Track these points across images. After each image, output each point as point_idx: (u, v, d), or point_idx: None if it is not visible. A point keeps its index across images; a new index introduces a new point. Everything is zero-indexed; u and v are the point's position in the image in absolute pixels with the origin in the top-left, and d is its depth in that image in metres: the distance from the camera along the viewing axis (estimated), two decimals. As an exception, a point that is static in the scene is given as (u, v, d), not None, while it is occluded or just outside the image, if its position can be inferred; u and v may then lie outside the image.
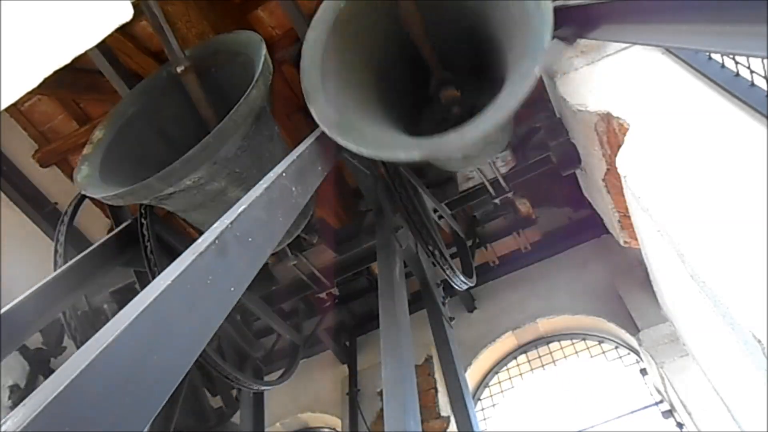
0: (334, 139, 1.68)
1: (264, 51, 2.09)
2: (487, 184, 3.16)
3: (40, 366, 4.75)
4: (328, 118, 1.74)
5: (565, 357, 4.59)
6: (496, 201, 3.27)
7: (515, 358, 4.79)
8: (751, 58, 1.50)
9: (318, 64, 1.89)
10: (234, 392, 3.68)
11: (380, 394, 2.19)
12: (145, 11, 1.87)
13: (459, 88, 2.17)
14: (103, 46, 3.41)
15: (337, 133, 1.68)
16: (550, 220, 4.79)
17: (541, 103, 3.07)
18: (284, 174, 1.39)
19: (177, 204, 2.18)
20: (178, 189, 1.97)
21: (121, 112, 2.38)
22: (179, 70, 2.23)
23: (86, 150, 2.21)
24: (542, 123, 2.94)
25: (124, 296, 3.12)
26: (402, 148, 1.69)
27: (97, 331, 0.76)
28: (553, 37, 2.57)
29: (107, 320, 0.83)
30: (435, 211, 3.15)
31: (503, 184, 3.14)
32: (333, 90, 1.86)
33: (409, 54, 2.13)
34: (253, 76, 2.02)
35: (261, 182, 1.31)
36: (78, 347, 2.23)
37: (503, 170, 3.15)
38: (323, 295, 3.57)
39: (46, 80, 0.92)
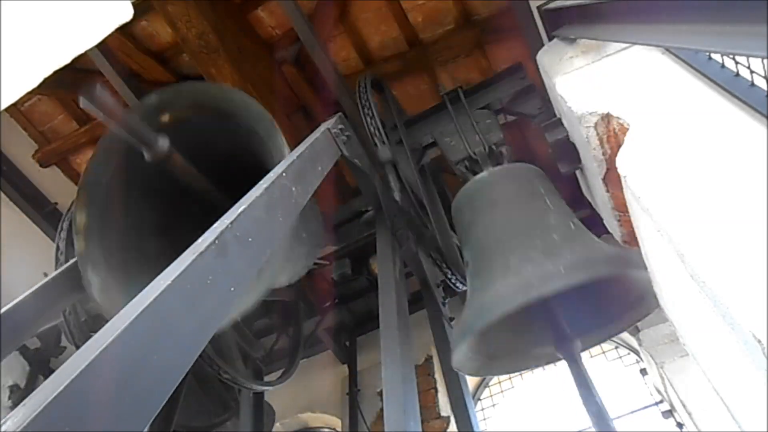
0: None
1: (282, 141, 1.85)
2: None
3: (40, 366, 4.75)
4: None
5: (565, 357, 4.58)
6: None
7: (515, 358, 4.78)
8: (751, 58, 1.50)
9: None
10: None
11: (380, 394, 2.19)
12: (92, 112, 1.46)
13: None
14: (103, 46, 3.41)
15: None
16: (550, 220, 4.78)
17: (540, 102, 3.07)
18: (284, 174, 1.39)
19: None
20: None
21: (94, 183, 2.00)
22: (161, 155, 1.72)
23: (79, 246, 1.91)
24: (542, 123, 2.93)
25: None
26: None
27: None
28: (553, 37, 2.57)
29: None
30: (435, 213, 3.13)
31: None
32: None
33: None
34: (257, 143, 1.87)
35: (261, 182, 1.31)
36: (77, 348, 2.23)
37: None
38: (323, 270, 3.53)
39: (46, 80, 0.92)
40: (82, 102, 1.38)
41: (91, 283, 1.86)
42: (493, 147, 2.63)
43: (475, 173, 2.51)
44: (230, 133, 1.98)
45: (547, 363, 2.33)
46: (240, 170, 1.94)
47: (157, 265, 2.06)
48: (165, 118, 1.93)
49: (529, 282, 1.67)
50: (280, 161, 1.75)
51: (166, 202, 2.07)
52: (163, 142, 1.70)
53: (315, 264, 3.47)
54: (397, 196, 2.45)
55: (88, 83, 1.38)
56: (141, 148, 1.67)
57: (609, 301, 2.04)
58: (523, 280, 1.69)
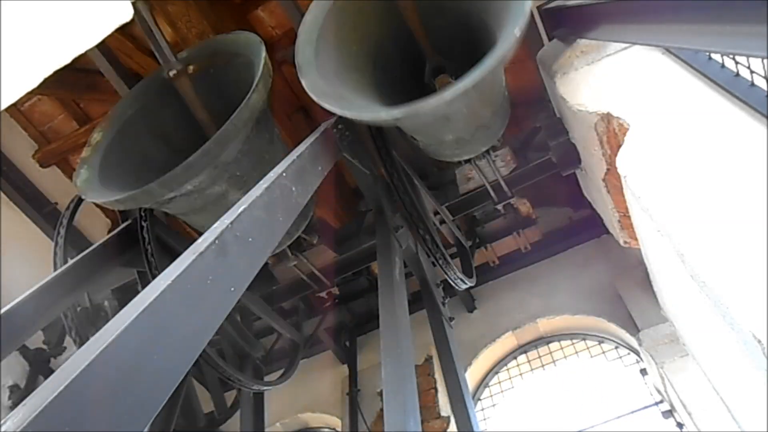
0: (320, 104, 1.70)
1: (264, 53, 2.08)
2: (488, 187, 3.11)
3: (40, 366, 4.75)
4: (318, 88, 1.77)
5: (565, 357, 4.59)
6: (498, 207, 3.23)
7: (515, 358, 4.78)
8: (751, 58, 1.50)
9: (313, 42, 1.92)
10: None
11: (380, 394, 2.19)
12: (135, 16, 1.83)
13: (453, 75, 2.17)
14: (103, 46, 3.41)
15: (325, 100, 1.70)
16: (550, 220, 4.79)
17: (541, 103, 3.07)
18: (284, 174, 1.39)
19: (178, 208, 2.18)
20: (179, 194, 1.97)
21: (119, 114, 2.37)
22: (171, 74, 2.22)
23: (85, 153, 2.20)
24: (542, 123, 2.93)
25: (125, 294, 3.12)
26: (384, 111, 1.71)
27: (97, 329, 0.76)
28: (553, 37, 2.58)
29: (107, 317, 0.83)
30: (436, 213, 3.13)
31: (505, 188, 3.10)
32: (326, 67, 1.89)
33: (404, 41, 2.15)
34: (252, 77, 2.01)
35: (261, 182, 1.31)
36: (78, 347, 2.23)
37: (503, 171, 3.12)
38: (323, 294, 3.56)
39: (46, 80, 0.92)
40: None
41: (79, 175, 2.09)
42: None
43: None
44: (237, 74, 2.28)
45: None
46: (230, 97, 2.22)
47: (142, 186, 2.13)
48: (189, 69, 2.33)
49: None
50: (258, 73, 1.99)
51: (172, 149, 2.36)
52: (178, 65, 2.20)
53: (316, 284, 3.47)
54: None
55: None
56: (163, 63, 2.14)
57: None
58: None
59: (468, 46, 2.13)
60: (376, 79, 2.13)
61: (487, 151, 3.04)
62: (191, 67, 2.32)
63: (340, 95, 1.81)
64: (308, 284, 3.48)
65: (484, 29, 1.96)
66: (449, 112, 2.05)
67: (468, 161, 3.06)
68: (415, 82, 2.26)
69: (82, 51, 0.96)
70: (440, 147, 2.54)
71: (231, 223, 1.05)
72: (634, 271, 4.04)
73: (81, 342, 2.79)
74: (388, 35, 2.15)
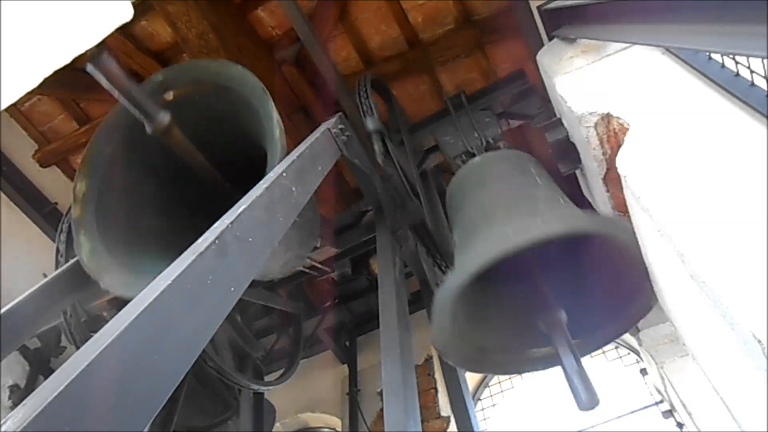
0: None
1: (274, 110, 1.87)
2: None
3: (40, 366, 4.75)
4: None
5: (565, 357, 4.58)
6: None
7: (515, 358, 4.78)
8: (751, 58, 1.50)
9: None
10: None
11: (380, 394, 2.19)
12: (97, 78, 1.50)
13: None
14: (103, 46, 3.40)
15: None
16: (550, 220, 4.78)
17: (540, 102, 3.07)
18: (284, 174, 1.39)
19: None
20: None
21: (97, 154, 2.05)
22: (161, 128, 1.77)
23: (75, 212, 1.96)
24: (542, 122, 2.93)
25: (123, 305, 3.12)
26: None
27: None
28: (553, 37, 2.57)
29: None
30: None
31: None
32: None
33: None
34: (257, 122, 1.88)
35: (261, 182, 1.31)
36: (77, 348, 2.23)
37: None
38: (323, 278, 3.54)
39: (46, 80, 0.92)
40: (89, 67, 1.39)
41: (81, 246, 1.90)
42: (491, 140, 2.64)
43: (469, 161, 2.52)
44: (228, 107, 2.02)
45: (543, 368, 2.16)
46: (235, 145, 2.01)
47: (150, 237, 2.05)
48: (168, 96, 2.00)
49: (506, 235, 1.58)
50: (270, 129, 1.83)
51: (165, 180, 2.12)
52: (164, 116, 1.73)
53: (316, 271, 3.47)
54: (379, 159, 2.40)
55: (96, 50, 1.39)
56: (142, 119, 1.71)
57: (603, 292, 1.93)
58: (501, 235, 1.61)
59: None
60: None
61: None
62: (171, 93, 2.01)
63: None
64: (305, 272, 3.47)
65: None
66: None
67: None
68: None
69: (82, 51, 0.96)
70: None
71: (231, 223, 1.05)
72: (634, 271, 4.03)
73: (78, 344, 2.79)
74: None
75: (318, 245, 3.06)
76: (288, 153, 1.64)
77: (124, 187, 2.07)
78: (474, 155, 2.58)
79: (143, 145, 1.99)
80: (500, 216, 1.83)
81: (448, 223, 2.69)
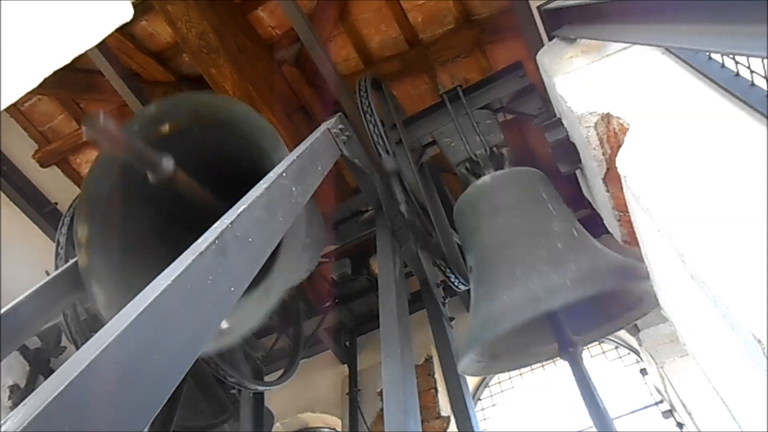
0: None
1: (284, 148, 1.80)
2: None
3: (40, 366, 4.75)
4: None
5: (565, 357, 4.59)
6: None
7: (515, 358, 4.78)
8: (751, 58, 1.50)
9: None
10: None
11: (380, 394, 2.19)
12: (98, 143, 1.43)
13: None
14: (103, 46, 3.41)
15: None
16: (550, 220, 4.79)
17: (540, 101, 3.07)
18: (284, 174, 1.39)
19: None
20: None
21: (94, 194, 1.96)
22: (167, 177, 1.69)
23: (82, 260, 1.89)
24: (542, 123, 2.93)
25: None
26: None
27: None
28: (553, 37, 2.57)
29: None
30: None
31: None
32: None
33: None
34: (259, 154, 1.84)
35: (261, 182, 1.31)
36: (77, 348, 2.22)
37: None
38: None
39: (46, 80, 0.92)
40: (86, 133, 1.36)
41: (96, 299, 1.85)
42: (494, 149, 2.63)
43: (476, 175, 2.51)
44: (233, 145, 1.96)
45: (548, 359, 2.38)
46: (243, 182, 1.93)
47: (160, 272, 2.03)
48: (164, 128, 1.92)
49: (536, 295, 1.68)
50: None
51: (167, 211, 2.05)
52: (168, 163, 1.67)
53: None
54: (403, 208, 2.45)
55: (90, 115, 1.35)
56: (146, 171, 1.66)
57: (609, 302, 2.05)
58: (530, 293, 1.71)
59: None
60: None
61: (499, 167, 3.03)
62: (166, 127, 1.91)
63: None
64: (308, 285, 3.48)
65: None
66: None
67: (478, 177, 3.06)
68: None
69: (82, 51, 0.96)
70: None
71: (231, 223, 1.05)
72: (634, 271, 4.04)
73: (79, 344, 2.79)
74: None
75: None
76: (288, 153, 1.64)
77: (127, 225, 2.00)
78: (478, 163, 2.57)
79: (141, 180, 1.81)
80: (521, 257, 1.92)
81: (453, 229, 2.70)
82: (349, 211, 3.37)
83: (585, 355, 4.46)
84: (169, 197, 1.96)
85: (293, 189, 1.40)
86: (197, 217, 2.05)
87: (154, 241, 2.04)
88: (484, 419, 4.51)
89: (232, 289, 0.99)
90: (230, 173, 2.01)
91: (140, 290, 1.80)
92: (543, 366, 4.62)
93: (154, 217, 2.07)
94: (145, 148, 1.62)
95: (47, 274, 2.13)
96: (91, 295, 1.86)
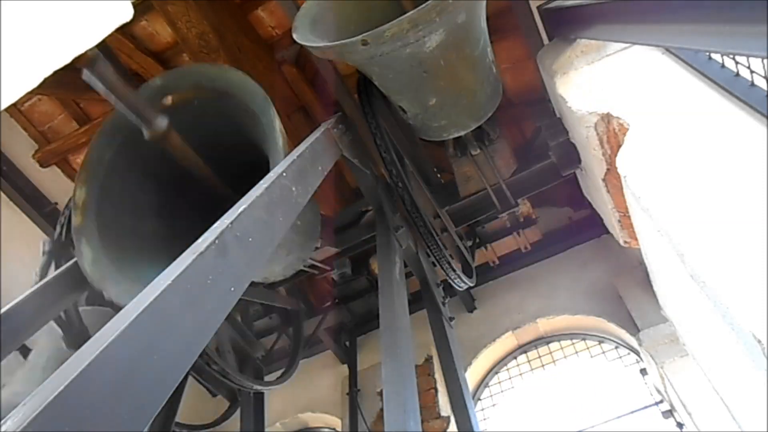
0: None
1: (274, 114, 1.88)
2: (490, 191, 3.05)
3: (40, 366, 4.74)
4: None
5: (565, 357, 4.59)
6: (503, 215, 3.16)
7: (515, 358, 4.79)
8: (751, 58, 1.50)
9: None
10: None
11: (380, 394, 2.19)
12: (93, 84, 1.56)
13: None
14: (103, 46, 3.40)
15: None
16: (550, 220, 4.79)
17: (541, 103, 3.07)
18: (284, 174, 1.39)
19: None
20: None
21: (96, 162, 2.05)
22: (159, 134, 1.76)
23: (76, 220, 1.96)
24: (542, 123, 2.93)
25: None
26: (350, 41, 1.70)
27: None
28: (553, 37, 2.58)
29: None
30: (436, 217, 3.10)
31: (508, 194, 3.03)
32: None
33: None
34: (259, 127, 1.89)
35: (261, 182, 1.31)
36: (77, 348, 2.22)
37: (504, 171, 3.07)
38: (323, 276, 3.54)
39: (46, 80, 0.92)
40: (85, 74, 1.38)
41: (83, 255, 1.88)
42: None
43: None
44: (228, 112, 2.02)
45: None
46: (236, 151, 2.00)
47: (151, 244, 2.04)
48: (167, 100, 1.99)
49: None
50: (272, 136, 1.82)
51: (165, 185, 2.11)
52: (162, 121, 1.71)
53: (316, 269, 3.47)
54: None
55: (92, 55, 1.37)
56: (140, 125, 1.69)
57: None
58: None
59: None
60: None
61: (483, 142, 3.00)
62: (170, 98, 2.00)
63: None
64: (306, 271, 3.46)
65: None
66: (423, 56, 1.97)
67: (464, 153, 3.01)
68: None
69: (82, 51, 0.96)
70: (426, 117, 2.44)
71: (231, 223, 1.05)
72: (634, 271, 4.04)
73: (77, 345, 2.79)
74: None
75: (318, 245, 3.06)
76: (288, 153, 1.64)
77: (124, 193, 2.06)
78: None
79: (143, 150, 1.97)
80: None
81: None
82: (351, 215, 3.39)
83: (584, 355, 4.47)
84: (169, 173, 2.04)
85: (293, 189, 1.40)
86: (194, 194, 2.07)
87: (151, 212, 2.06)
88: (484, 419, 4.51)
89: (232, 289, 0.99)
90: (225, 144, 2.07)
91: (127, 254, 1.84)
92: (543, 366, 4.62)
93: (153, 190, 2.11)
94: (140, 101, 1.65)
95: (35, 275, 2.12)
96: (78, 253, 1.89)
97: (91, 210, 1.96)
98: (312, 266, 3.38)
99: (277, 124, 1.86)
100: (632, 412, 4.04)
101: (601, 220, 2.93)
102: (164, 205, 1.96)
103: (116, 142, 2.06)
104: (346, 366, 4.94)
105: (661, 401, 3.91)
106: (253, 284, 3.29)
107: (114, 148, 2.05)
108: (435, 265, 2.77)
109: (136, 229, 2.02)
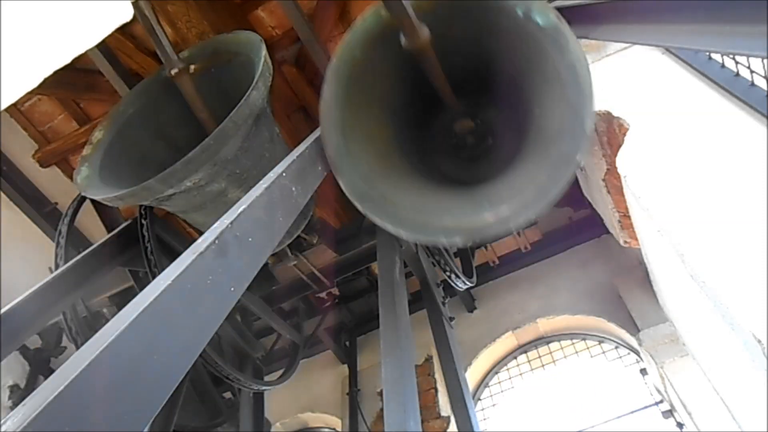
0: (368, 216, 1.72)
1: (264, 51, 2.07)
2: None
3: (40, 366, 4.75)
4: (356, 191, 1.76)
5: (565, 357, 4.59)
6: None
7: (515, 358, 4.79)
8: (751, 58, 1.50)
9: (339, 125, 1.79)
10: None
11: (380, 394, 2.19)
12: (137, 13, 1.78)
13: (473, 118, 2.04)
14: (103, 46, 3.41)
15: (370, 210, 1.72)
16: (550, 220, 4.79)
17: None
18: (284, 174, 1.39)
19: (177, 205, 2.18)
20: (178, 190, 1.97)
21: (120, 113, 2.38)
22: (173, 72, 2.19)
23: (86, 151, 2.21)
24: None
25: (123, 299, 3.13)
26: (443, 233, 1.65)
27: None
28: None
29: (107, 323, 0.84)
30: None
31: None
32: (356, 152, 1.81)
33: (421, 90, 1.98)
34: (253, 76, 2.01)
35: (261, 182, 1.30)
36: (78, 348, 2.23)
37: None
38: (323, 294, 3.56)
39: (46, 80, 0.92)
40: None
41: (80, 173, 2.09)
42: None
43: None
44: (235, 67, 2.33)
45: None
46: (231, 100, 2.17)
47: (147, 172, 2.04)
48: (190, 69, 2.31)
49: None
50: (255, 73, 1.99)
51: (173, 150, 2.33)
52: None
53: (316, 285, 3.47)
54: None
55: None
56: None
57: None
58: None
59: (488, 89, 1.97)
60: (398, 139, 1.98)
61: None
62: (193, 67, 2.32)
63: (379, 194, 1.76)
64: (308, 284, 3.48)
65: (512, 79, 1.81)
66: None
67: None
68: (433, 123, 2.12)
69: (82, 51, 0.96)
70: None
71: (231, 223, 1.05)
72: (634, 271, 4.04)
73: (79, 344, 2.80)
74: (405, 88, 1.97)
75: (314, 241, 3.06)
76: (288, 153, 1.64)
77: (134, 144, 2.34)
78: None
79: (159, 113, 2.41)
80: None
81: None
82: (354, 228, 3.42)
83: (584, 355, 4.47)
84: (180, 135, 2.39)
85: (293, 189, 1.40)
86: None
87: (152, 168, 2.17)
88: (484, 419, 4.51)
89: (232, 289, 0.99)
90: (227, 99, 2.25)
91: (116, 179, 1.93)
92: (543, 366, 4.62)
93: (163, 145, 2.41)
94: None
95: (51, 271, 2.14)
96: (77, 172, 2.11)
97: (102, 147, 2.22)
98: (312, 277, 3.38)
99: (264, 64, 2.06)
100: (632, 412, 4.05)
101: (601, 220, 2.93)
102: (167, 164, 2.02)
103: (139, 103, 2.42)
104: (346, 366, 4.94)
105: (661, 401, 3.91)
106: (252, 289, 3.31)
107: (136, 107, 2.40)
108: (435, 265, 2.77)
109: (135, 173, 2.20)
